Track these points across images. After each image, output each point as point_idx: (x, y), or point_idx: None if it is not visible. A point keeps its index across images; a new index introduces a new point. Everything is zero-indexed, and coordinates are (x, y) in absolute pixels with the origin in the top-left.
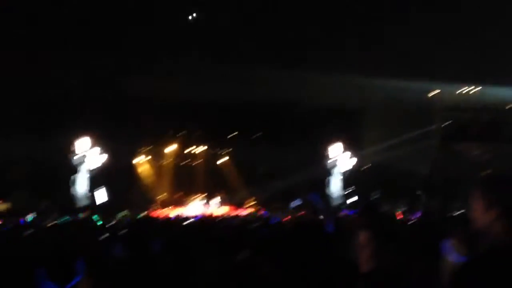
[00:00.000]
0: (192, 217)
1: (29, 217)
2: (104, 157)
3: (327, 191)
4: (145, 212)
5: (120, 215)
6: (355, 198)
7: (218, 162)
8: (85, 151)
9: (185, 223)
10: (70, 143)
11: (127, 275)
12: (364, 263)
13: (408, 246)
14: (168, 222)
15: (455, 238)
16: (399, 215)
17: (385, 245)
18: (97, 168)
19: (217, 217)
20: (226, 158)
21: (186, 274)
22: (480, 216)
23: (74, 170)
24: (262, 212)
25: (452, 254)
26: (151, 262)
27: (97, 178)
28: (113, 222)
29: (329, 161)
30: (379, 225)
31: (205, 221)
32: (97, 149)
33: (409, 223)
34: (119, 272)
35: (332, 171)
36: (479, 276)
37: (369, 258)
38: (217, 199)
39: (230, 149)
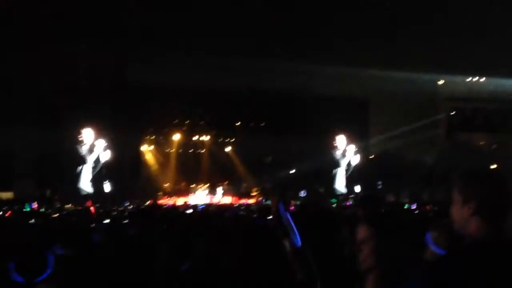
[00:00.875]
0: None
1: (27, 206)
2: (109, 147)
3: (332, 182)
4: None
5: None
6: (359, 189)
7: (224, 151)
8: (90, 141)
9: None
10: (75, 133)
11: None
12: (364, 261)
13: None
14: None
15: (435, 231)
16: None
17: (384, 240)
18: (102, 158)
19: (223, 206)
20: (232, 147)
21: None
22: (457, 210)
23: (79, 160)
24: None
25: (433, 246)
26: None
27: (102, 168)
28: (115, 213)
29: (334, 152)
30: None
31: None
32: (102, 139)
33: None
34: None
35: (337, 161)
36: (452, 271)
37: (369, 255)
38: (223, 188)
39: (236, 139)
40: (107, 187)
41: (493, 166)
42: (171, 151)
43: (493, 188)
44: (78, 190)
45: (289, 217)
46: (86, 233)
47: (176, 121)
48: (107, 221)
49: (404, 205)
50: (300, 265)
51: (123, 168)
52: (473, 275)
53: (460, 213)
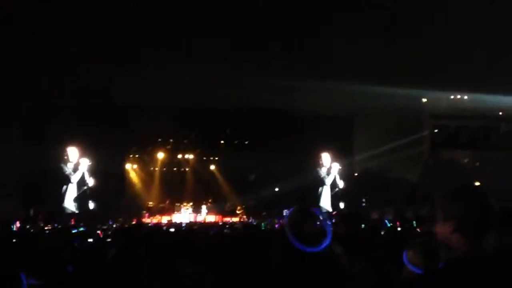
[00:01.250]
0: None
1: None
2: (92, 165)
3: (316, 199)
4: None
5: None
6: (342, 206)
7: (208, 170)
8: (75, 160)
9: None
10: (58, 151)
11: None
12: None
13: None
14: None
15: (410, 249)
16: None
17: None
18: (86, 176)
19: (207, 224)
20: (216, 165)
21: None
22: (440, 228)
23: (63, 179)
24: (250, 220)
25: (409, 265)
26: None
27: (86, 187)
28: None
29: (319, 169)
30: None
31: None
32: (86, 158)
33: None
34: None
35: (322, 179)
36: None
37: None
38: (207, 207)
39: (220, 157)
40: (91, 205)
41: (476, 184)
42: (155, 169)
43: (472, 206)
44: (62, 209)
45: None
46: (61, 262)
47: (160, 139)
48: (90, 240)
49: (386, 223)
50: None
51: (107, 186)
52: None
53: (442, 230)
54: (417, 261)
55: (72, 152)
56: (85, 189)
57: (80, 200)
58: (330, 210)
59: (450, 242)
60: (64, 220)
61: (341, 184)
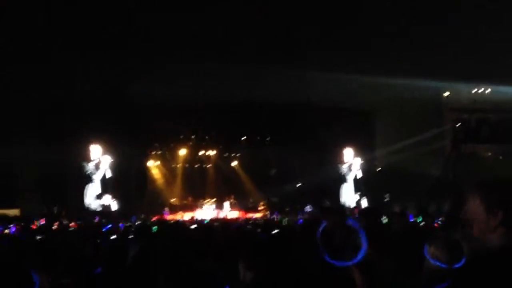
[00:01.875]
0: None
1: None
2: (115, 163)
3: (338, 196)
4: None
5: None
6: (366, 202)
7: (230, 166)
8: (96, 157)
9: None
10: (81, 149)
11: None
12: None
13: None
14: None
15: (432, 244)
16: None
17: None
18: (108, 174)
19: (229, 221)
20: (238, 161)
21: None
22: (481, 220)
23: (85, 176)
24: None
25: (431, 260)
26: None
27: (108, 184)
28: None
29: (341, 165)
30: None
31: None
32: (108, 156)
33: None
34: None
35: (344, 175)
36: (481, 279)
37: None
38: (229, 203)
39: (242, 153)
40: (114, 204)
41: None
42: (177, 166)
43: None
44: (84, 206)
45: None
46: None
47: (182, 136)
48: (113, 236)
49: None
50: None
51: (129, 183)
52: (500, 282)
53: (484, 222)
54: (439, 255)
55: (94, 150)
56: (107, 187)
57: (102, 197)
58: (352, 206)
59: (491, 234)
60: (86, 218)
61: (362, 180)
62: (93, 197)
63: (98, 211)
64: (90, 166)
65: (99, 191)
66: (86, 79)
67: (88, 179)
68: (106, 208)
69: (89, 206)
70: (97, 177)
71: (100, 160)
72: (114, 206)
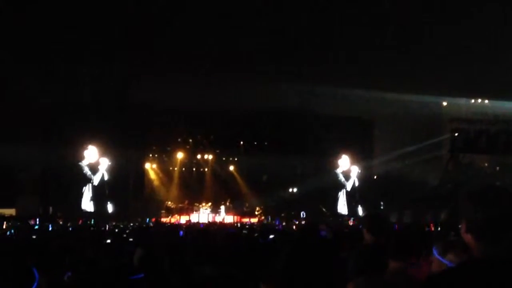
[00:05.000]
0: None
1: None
2: (113, 165)
3: (334, 202)
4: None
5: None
6: (360, 209)
7: (227, 170)
8: (94, 160)
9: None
10: (78, 151)
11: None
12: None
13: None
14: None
15: (439, 245)
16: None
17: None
18: (106, 177)
19: (225, 225)
20: (234, 166)
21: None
22: (461, 229)
23: (82, 178)
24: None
25: (440, 258)
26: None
27: (105, 187)
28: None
29: (337, 172)
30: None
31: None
32: (105, 158)
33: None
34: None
35: (340, 182)
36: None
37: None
38: (225, 207)
39: (239, 158)
40: (109, 207)
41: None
42: (174, 169)
43: (484, 208)
44: (80, 209)
45: None
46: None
47: (180, 140)
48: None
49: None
50: None
51: (127, 186)
52: None
53: (461, 231)
54: (449, 255)
55: (92, 152)
56: (104, 189)
57: (98, 200)
58: (346, 213)
59: (466, 241)
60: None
61: (359, 187)
62: (88, 199)
63: (94, 213)
64: (87, 168)
65: (96, 193)
66: (86, 82)
67: (85, 181)
68: (101, 210)
69: (85, 208)
70: (94, 179)
71: (98, 161)
72: (110, 208)
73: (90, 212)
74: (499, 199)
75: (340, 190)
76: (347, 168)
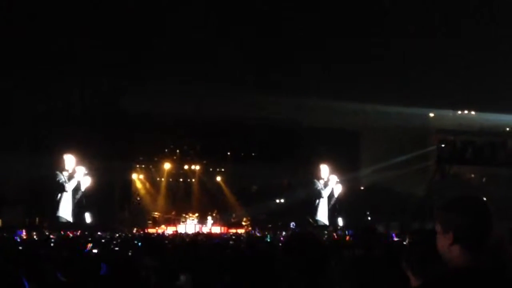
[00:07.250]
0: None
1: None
2: (95, 175)
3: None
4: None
5: None
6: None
7: (214, 181)
8: (71, 168)
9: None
10: (63, 161)
11: None
12: None
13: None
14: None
15: (403, 261)
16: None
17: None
18: (83, 185)
19: (212, 235)
20: (222, 177)
21: None
22: (440, 241)
23: (56, 186)
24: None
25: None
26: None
27: (82, 197)
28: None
29: (315, 181)
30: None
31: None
32: (82, 166)
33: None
34: None
35: (318, 191)
36: None
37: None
38: (212, 218)
39: (226, 168)
40: (87, 216)
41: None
42: (161, 179)
43: (471, 216)
44: (57, 218)
45: None
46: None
47: (167, 150)
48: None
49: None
50: None
51: (112, 196)
52: None
53: (442, 243)
54: (408, 271)
55: (69, 160)
56: (81, 198)
57: (76, 209)
58: (327, 223)
59: (449, 254)
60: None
61: (339, 197)
62: (65, 208)
63: (72, 223)
64: (63, 176)
65: (71, 202)
66: (73, 92)
67: (61, 189)
68: (78, 219)
69: (61, 218)
70: (69, 188)
71: (74, 170)
72: (88, 218)
73: (68, 222)
74: (484, 207)
75: (319, 200)
76: (326, 178)
